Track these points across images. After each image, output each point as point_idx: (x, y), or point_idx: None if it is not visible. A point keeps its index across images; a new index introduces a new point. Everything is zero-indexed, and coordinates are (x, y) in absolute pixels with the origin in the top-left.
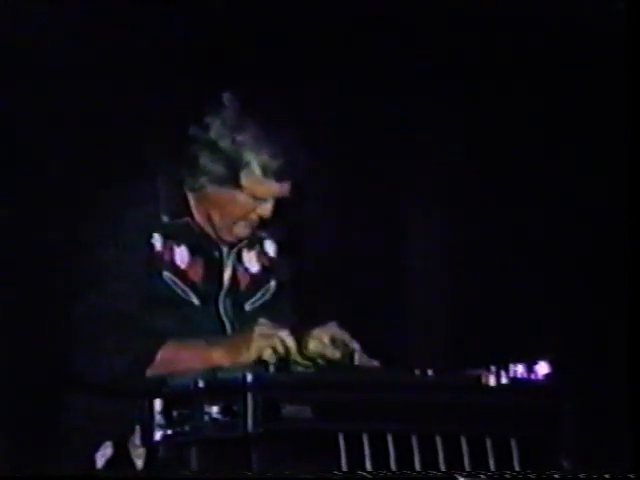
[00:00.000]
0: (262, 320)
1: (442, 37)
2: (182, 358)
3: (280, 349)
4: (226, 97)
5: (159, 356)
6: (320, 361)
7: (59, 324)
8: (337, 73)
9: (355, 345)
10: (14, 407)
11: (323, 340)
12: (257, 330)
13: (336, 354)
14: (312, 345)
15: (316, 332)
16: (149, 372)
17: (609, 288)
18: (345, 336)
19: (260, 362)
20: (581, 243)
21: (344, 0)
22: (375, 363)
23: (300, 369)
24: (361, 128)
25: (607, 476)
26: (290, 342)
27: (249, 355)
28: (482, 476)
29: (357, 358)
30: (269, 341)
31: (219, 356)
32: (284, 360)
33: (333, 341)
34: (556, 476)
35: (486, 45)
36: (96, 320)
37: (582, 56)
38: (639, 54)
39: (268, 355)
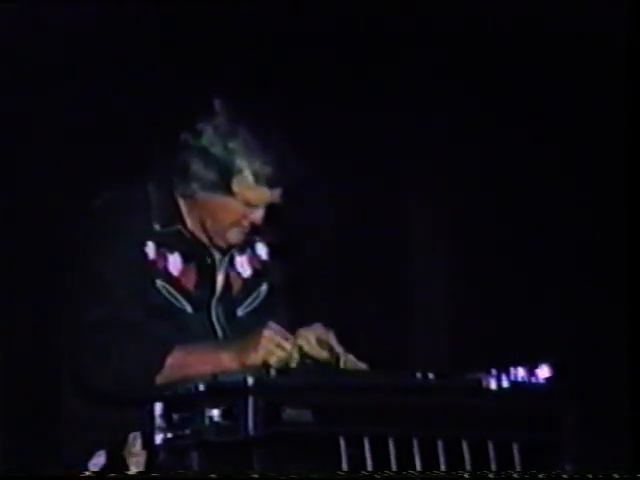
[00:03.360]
0: (271, 324)
1: (441, 38)
2: (191, 363)
3: (286, 354)
4: (217, 103)
5: (168, 362)
6: (308, 361)
7: (59, 333)
8: (330, 78)
9: (339, 348)
10: (14, 412)
11: (310, 340)
12: (265, 333)
13: (323, 354)
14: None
15: (302, 332)
16: (159, 379)
17: (610, 292)
18: (330, 337)
19: (266, 366)
20: (582, 247)
21: (337, 4)
22: (362, 366)
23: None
24: (356, 133)
25: (616, 476)
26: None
27: (256, 358)
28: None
29: (342, 361)
30: (276, 345)
31: (228, 360)
32: (289, 365)
33: (319, 342)
34: (564, 476)
35: (485, 45)
36: (100, 330)
37: (582, 56)
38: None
39: (274, 359)
